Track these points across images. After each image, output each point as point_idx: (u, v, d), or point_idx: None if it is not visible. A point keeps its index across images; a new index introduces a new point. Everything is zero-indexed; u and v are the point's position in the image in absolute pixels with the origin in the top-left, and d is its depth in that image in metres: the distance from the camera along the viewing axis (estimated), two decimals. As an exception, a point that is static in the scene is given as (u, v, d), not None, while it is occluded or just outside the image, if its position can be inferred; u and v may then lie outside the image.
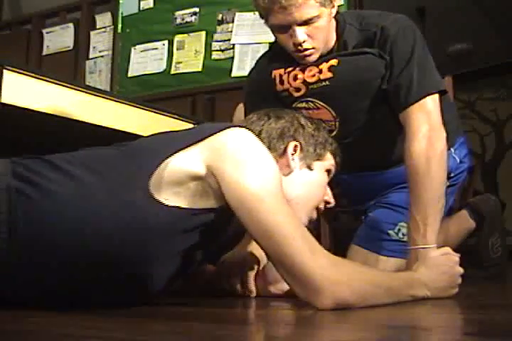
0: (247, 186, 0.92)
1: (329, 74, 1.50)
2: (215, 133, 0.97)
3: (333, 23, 1.52)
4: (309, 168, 1.18)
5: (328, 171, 1.23)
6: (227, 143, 0.96)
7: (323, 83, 1.51)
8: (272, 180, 0.95)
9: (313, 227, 2.30)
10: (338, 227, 2.26)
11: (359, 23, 1.51)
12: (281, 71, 1.57)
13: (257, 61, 1.72)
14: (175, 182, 0.93)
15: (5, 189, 0.89)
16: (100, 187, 0.91)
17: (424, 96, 1.40)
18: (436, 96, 1.43)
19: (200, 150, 0.95)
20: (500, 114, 5.79)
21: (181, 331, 0.75)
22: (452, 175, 1.62)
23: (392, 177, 1.63)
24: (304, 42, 1.45)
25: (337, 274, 0.92)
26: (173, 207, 0.92)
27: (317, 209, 1.21)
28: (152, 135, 1.07)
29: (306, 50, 1.47)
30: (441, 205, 1.37)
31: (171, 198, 0.93)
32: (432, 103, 1.41)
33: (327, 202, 1.22)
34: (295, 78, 1.54)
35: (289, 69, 1.55)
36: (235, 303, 1.15)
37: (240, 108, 1.73)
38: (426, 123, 1.39)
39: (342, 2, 2.79)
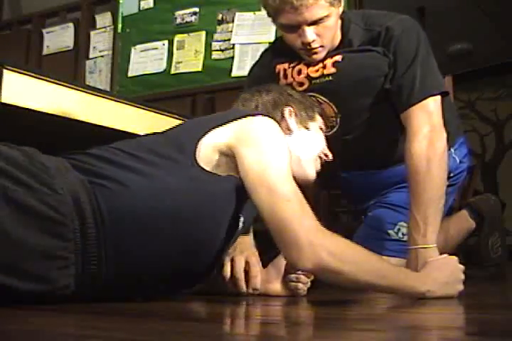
0: (264, 167, 1.06)
1: (333, 70, 1.50)
2: (242, 118, 1.12)
3: (339, 21, 1.52)
4: (306, 128, 1.33)
5: (321, 129, 1.38)
6: (252, 129, 1.11)
7: (327, 78, 1.51)
8: (284, 162, 1.09)
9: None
10: (338, 227, 2.27)
11: (364, 23, 1.51)
12: (286, 65, 1.57)
13: (260, 56, 1.72)
14: (210, 157, 1.08)
15: (79, 181, 0.97)
16: (160, 172, 1.02)
17: (426, 97, 1.41)
18: (438, 97, 1.43)
19: (226, 131, 1.10)
20: (500, 114, 5.79)
21: (181, 331, 0.75)
22: (452, 175, 1.63)
23: (392, 176, 1.63)
24: (313, 41, 1.45)
25: (322, 238, 1.01)
26: (225, 176, 1.08)
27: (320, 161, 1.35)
28: (185, 122, 1.25)
29: (314, 48, 1.47)
30: (441, 205, 1.37)
31: (215, 170, 1.07)
32: (433, 104, 1.42)
33: (326, 155, 1.36)
34: (299, 72, 1.54)
35: (294, 63, 1.55)
36: (235, 303, 1.15)
37: None
38: (427, 124, 1.39)
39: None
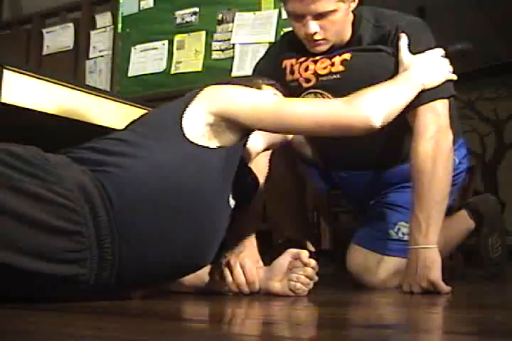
0: (261, 105, 1.18)
1: (341, 68, 1.50)
2: (202, 90, 1.21)
3: (351, 16, 1.52)
4: None
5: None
6: (218, 91, 1.21)
7: (334, 76, 1.51)
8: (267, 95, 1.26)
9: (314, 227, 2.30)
10: (338, 227, 2.27)
11: (375, 19, 1.51)
12: (293, 61, 1.57)
13: (268, 49, 1.72)
14: (197, 132, 1.12)
15: (81, 171, 1.00)
16: (155, 152, 1.07)
17: (436, 99, 1.41)
18: (447, 100, 1.44)
19: (200, 104, 1.16)
20: (500, 114, 5.79)
21: (182, 330, 0.75)
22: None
23: (392, 177, 1.63)
24: (315, 33, 1.45)
25: (361, 107, 1.21)
26: (216, 148, 1.13)
27: None
28: (153, 110, 1.30)
29: (317, 40, 1.47)
30: (444, 206, 1.38)
31: (206, 143, 1.12)
32: (441, 105, 1.42)
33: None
34: (306, 69, 1.54)
35: (301, 59, 1.55)
36: (235, 303, 1.15)
37: None
38: (434, 124, 1.39)
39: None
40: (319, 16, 1.42)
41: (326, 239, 2.15)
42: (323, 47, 1.50)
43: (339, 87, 1.50)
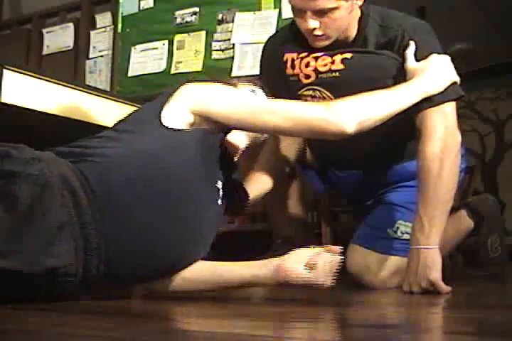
0: (237, 103, 1.22)
1: (341, 66, 1.49)
2: (179, 88, 1.22)
3: (358, 13, 1.50)
4: None
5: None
6: (195, 89, 1.23)
7: (334, 74, 1.50)
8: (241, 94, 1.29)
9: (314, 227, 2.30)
10: (338, 227, 2.27)
11: (381, 19, 1.50)
12: (294, 55, 1.56)
13: (269, 38, 1.70)
14: (175, 125, 1.16)
15: (62, 162, 1.03)
16: (132, 142, 1.11)
17: (444, 102, 1.40)
18: (454, 102, 1.43)
19: (177, 102, 1.19)
20: (500, 114, 5.79)
21: (182, 330, 0.75)
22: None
23: (391, 176, 1.63)
24: (314, 29, 1.44)
25: (339, 111, 1.23)
26: (190, 130, 1.17)
27: None
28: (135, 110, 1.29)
29: (317, 35, 1.47)
30: (449, 207, 1.38)
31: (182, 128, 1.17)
32: (449, 107, 1.42)
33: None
34: (307, 65, 1.53)
35: (303, 54, 1.54)
36: (236, 302, 1.15)
37: None
38: (442, 125, 1.39)
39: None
40: (320, 13, 1.42)
41: (326, 239, 2.15)
42: (324, 43, 1.49)
43: (337, 84, 1.51)
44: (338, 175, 1.73)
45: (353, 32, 1.51)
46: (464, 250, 1.87)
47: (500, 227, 1.84)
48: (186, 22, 3.29)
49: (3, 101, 1.49)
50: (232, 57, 3.08)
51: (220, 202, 1.22)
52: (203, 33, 3.21)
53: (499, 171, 5.66)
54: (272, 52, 1.65)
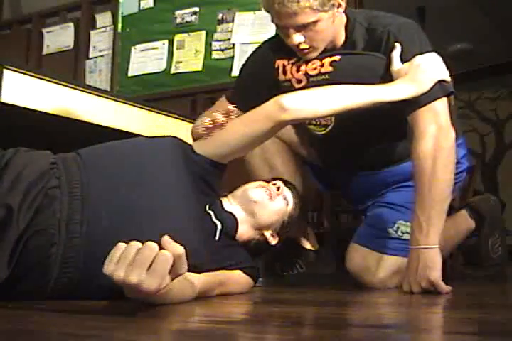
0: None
1: (330, 69, 1.51)
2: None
3: (342, 20, 1.51)
4: None
5: None
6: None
7: (323, 76, 1.52)
8: None
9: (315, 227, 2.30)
10: (338, 227, 2.27)
11: (368, 23, 1.51)
12: (286, 61, 1.58)
13: (260, 46, 1.71)
14: None
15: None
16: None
17: (434, 101, 1.40)
18: (445, 98, 1.43)
19: None
20: (500, 114, 5.79)
21: (182, 330, 0.75)
22: (451, 175, 1.62)
23: (391, 176, 1.63)
24: (299, 44, 1.46)
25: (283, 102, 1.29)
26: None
27: None
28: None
29: (304, 49, 1.48)
30: (446, 206, 1.37)
31: None
32: (440, 104, 1.41)
33: None
34: (298, 69, 1.55)
35: (294, 60, 1.56)
36: (235, 303, 1.15)
37: (221, 101, 1.74)
38: (434, 123, 1.39)
39: (342, 2, 2.79)
40: (302, 27, 1.43)
41: (327, 239, 2.15)
42: (313, 55, 1.51)
43: None
44: (339, 175, 1.73)
45: (340, 38, 1.53)
46: (465, 250, 1.87)
47: (502, 228, 1.84)
48: (186, 22, 3.29)
49: (3, 101, 1.49)
50: (232, 57, 3.08)
51: (213, 216, 1.22)
52: (203, 32, 3.22)
53: (499, 171, 5.67)
54: (262, 59, 1.66)
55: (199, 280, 1.08)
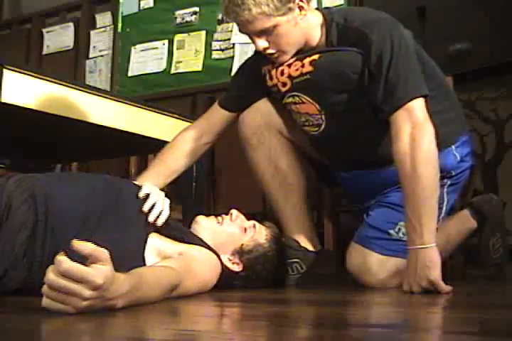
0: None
1: (310, 68, 1.52)
2: None
3: (313, 21, 1.51)
4: None
5: None
6: None
7: (305, 77, 1.53)
8: None
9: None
10: (339, 227, 2.26)
11: (344, 20, 1.51)
12: (270, 66, 1.60)
13: (253, 55, 1.73)
14: None
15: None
16: None
17: (406, 102, 1.40)
18: (421, 98, 1.42)
19: None
20: (500, 114, 5.78)
21: (182, 329, 0.75)
22: (454, 173, 1.62)
23: (392, 176, 1.62)
24: (264, 49, 1.47)
25: None
26: None
27: None
28: None
29: (272, 54, 1.50)
30: (434, 203, 1.36)
31: None
32: (415, 102, 1.40)
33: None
34: (282, 73, 1.57)
35: (277, 64, 1.57)
36: (235, 302, 1.15)
37: (215, 108, 1.75)
38: (408, 122, 1.38)
39: (342, 2, 2.79)
40: (262, 33, 1.45)
41: (328, 239, 2.15)
42: (284, 58, 1.53)
43: (310, 86, 1.54)
44: (340, 175, 1.73)
45: (314, 39, 1.53)
46: (465, 250, 1.87)
47: (503, 228, 1.84)
48: (186, 22, 3.29)
49: (3, 101, 1.49)
50: (232, 57, 3.08)
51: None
52: (203, 32, 3.22)
53: (499, 171, 5.65)
54: (254, 63, 1.69)
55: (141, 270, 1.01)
